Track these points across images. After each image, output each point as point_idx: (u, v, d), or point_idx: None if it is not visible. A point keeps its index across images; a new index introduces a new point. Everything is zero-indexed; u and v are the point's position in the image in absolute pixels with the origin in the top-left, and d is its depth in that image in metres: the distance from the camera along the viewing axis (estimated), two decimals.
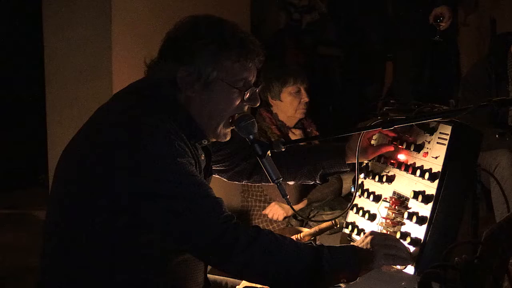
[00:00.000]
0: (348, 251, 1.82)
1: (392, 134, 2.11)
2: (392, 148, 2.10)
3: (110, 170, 1.69)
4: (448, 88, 4.92)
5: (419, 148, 2.00)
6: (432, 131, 1.96)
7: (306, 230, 2.33)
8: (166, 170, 1.69)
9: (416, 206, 1.94)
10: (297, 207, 3.65)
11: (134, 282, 1.77)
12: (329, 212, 3.64)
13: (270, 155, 1.97)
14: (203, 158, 1.93)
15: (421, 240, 1.88)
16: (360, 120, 2.28)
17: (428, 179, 1.90)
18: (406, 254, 1.85)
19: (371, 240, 1.84)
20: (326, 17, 5.46)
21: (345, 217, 2.27)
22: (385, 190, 2.10)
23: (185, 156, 1.73)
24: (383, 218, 2.04)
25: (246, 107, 1.92)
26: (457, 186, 1.89)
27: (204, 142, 1.91)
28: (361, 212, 2.17)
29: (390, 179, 2.09)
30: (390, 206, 2.03)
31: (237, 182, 2.33)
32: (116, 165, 1.69)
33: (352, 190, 2.13)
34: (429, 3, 4.42)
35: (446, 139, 1.90)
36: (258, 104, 1.94)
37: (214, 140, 1.94)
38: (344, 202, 3.67)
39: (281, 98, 3.74)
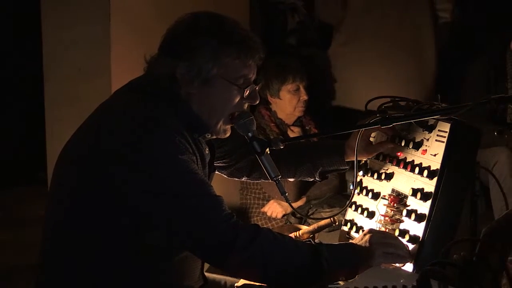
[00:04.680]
0: (347, 249, 1.82)
1: (391, 132, 2.11)
2: (392, 145, 2.10)
3: (110, 168, 1.69)
4: (448, 85, 4.91)
5: (417, 145, 2.00)
6: (430, 128, 1.96)
7: (304, 228, 2.33)
8: (166, 168, 1.69)
9: (414, 203, 1.94)
10: (296, 204, 3.66)
11: (133, 280, 1.77)
12: (327, 210, 3.64)
13: (269, 152, 1.97)
14: (207, 152, 1.93)
15: (419, 237, 1.88)
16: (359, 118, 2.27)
17: (427, 176, 1.91)
18: (404, 252, 1.86)
19: (370, 238, 1.84)
20: (308, 19, 5.43)
21: (344, 215, 2.27)
22: (384, 187, 2.10)
23: (185, 153, 1.74)
24: (382, 215, 2.05)
25: (245, 105, 1.92)
26: (455, 184, 1.89)
27: (208, 136, 1.91)
28: (359, 209, 2.17)
29: (389, 177, 2.09)
30: (388, 203, 2.03)
31: (237, 179, 2.33)
32: (117, 163, 1.69)
33: (351, 187, 2.13)
34: None
35: (444, 137, 1.90)
36: (257, 102, 1.94)
37: (214, 136, 1.94)
38: (343, 199, 3.67)
39: (280, 96, 3.74)
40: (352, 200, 2.16)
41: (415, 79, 3.95)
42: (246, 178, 2.31)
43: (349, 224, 2.21)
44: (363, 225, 2.15)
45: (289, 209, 3.66)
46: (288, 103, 3.74)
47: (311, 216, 3.61)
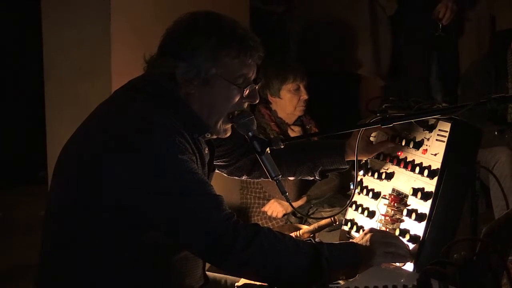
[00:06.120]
0: (347, 248, 1.82)
1: (391, 132, 2.11)
2: (392, 145, 2.10)
3: (110, 168, 1.69)
4: (448, 84, 4.91)
5: (418, 145, 2.00)
6: (431, 128, 1.96)
7: (305, 227, 2.33)
8: (166, 168, 1.69)
9: (415, 203, 1.94)
10: (296, 204, 3.65)
11: (133, 279, 1.77)
12: (328, 209, 3.64)
13: (269, 152, 1.97)
14: (206, 151, 1.93)
15: (420, 237, 1.88)
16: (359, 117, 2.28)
17: (427, 176, 1.90)
18: (405, 252, 1.86)
19: (370, 237, 1.84)
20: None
21: (344, 214, 2.27)
22: (384, 187, 2.10)
23: (185, 153, 1.73)
24: (382, 215, 2.04)
25: (245, 104, 1.92)
26: (456, 183, 1.89)
27: (208, 135, 1.91)
28: (360, 209, 2.17)
29: (389, 176, 2.09)
30: (389, 203, 2.03)
31: (237, 178, 2.33)
32: (117, 163, 1.69)
33: (351, 187, 2.13)
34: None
35: (445, 136, 1.90)
36: (257, 101, 1.94)
37: (214, 136, 1.94)
38: (343, 199, 3.66)
39: (280, 95, 3.74)
40: (353, 200, 2.16)
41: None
42: (246, 177, 2.30)
43: (349, 224, 2.21)
44: (363, 225, 2.15)
45: (290, 209, 3.65)
46: (288, 103, 3.74)
47: (312, 216, 3.61)
